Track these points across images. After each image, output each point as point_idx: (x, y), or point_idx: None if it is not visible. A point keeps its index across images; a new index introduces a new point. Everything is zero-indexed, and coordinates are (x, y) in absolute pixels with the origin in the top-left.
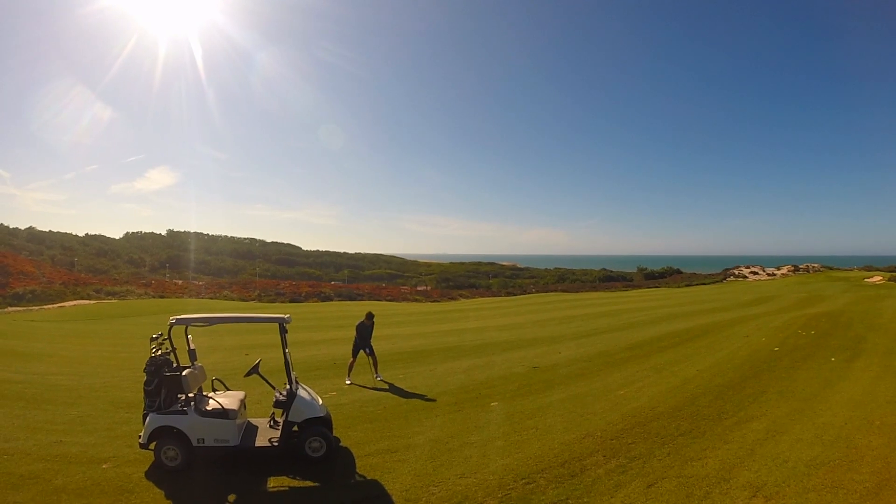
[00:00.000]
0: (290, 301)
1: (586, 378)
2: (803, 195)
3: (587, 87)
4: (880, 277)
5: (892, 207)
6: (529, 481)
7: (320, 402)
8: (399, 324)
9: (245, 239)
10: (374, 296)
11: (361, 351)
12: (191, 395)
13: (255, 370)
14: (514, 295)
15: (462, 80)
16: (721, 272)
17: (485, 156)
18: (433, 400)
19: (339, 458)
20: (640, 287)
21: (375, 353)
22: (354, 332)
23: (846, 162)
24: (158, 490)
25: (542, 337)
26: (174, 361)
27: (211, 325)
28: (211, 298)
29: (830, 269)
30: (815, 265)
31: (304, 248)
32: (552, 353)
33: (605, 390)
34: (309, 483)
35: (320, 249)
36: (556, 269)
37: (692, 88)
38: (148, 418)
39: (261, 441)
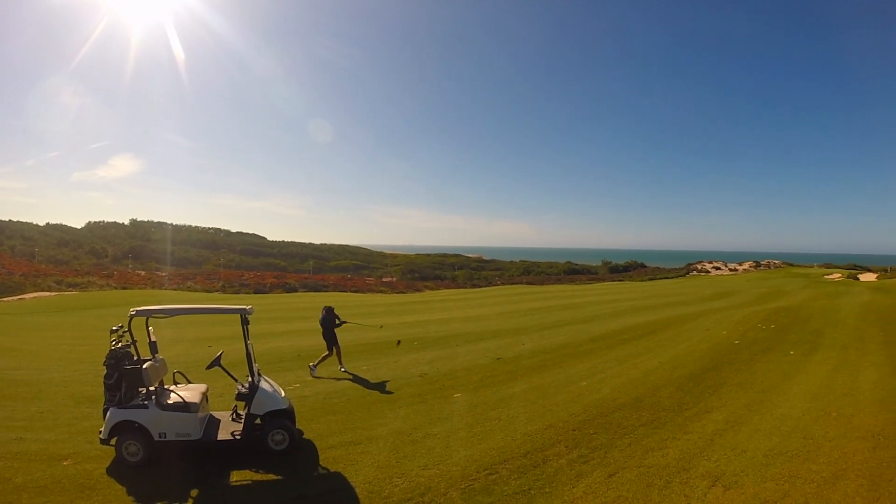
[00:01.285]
0: (255, 292)
1: (549, 369)
2: (766, 193)
3: (554, 80)
4: (839, 275)
5: (849, 208)
6: (492, 472)
7: (283, 394)
8: (364, 315)
9: (210, 229)
10: (339, 287)
11: (325, 341)
12: (152, 388)
13: (216, 362)
14: (480, 287)
15: (431, 70)
16: (684, 267)
17: (452, 148)
18: (397, 391)
19: (302, 451)
20: (604, 280)
21: (339, 345)
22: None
23: (807, 161)
24: (120, 486)
25: (506, 329)
26: (134, 354)
27: (172, 316)
28: (174, 290)
29: (791, 265)
30: (777, 261)
31: (270, 238)
32: (516, 344)
33: (568, 382)
34: (272, 476)
35: (286, 240)
36: (521, 261)
37: (658, 83)
38: (108, 413)
39: (223, 434)
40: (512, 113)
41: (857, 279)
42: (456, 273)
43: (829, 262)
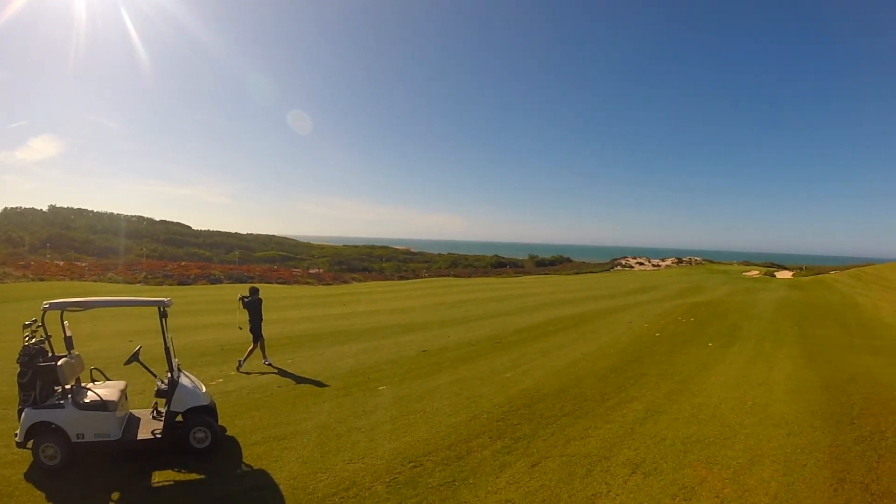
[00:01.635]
0: (179, 283)
1: (474, 361)
2: (689, 193)
3: (490, 73)
4: (757, 272)
5: (767, 209)
6: (417, 464)
7: (204, 389)
8: (289, 307)
9: (133, 217)
10: (265, 278)
11: (249, 333)
12: (68, 386)
13: (135, 357)
14: (407, 279)
15: (368, 58)
16: (609, 262)
17: (387, 139)
18: (322, 385)
19: (225, 448)
20: (531, 274)
21: (264, 337)
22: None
23: (727, 163)
24: (39, 492)
25: (432, 321)
26: (49, 350)
27: (87, 309)
28: (95, 281)
29: (711, 262)
30: (698, 258)
31: (195, 227)
32: (441, 336)
33: (493, 373)
34: (194, 475)
35: (211, 229)
36: (449, 254)
37: (593, 80)
38: (23, 414)
39: (143, 434)
40: (447, 106)
41: (774, 276)
42: (383, 265)
43: (748, 261)
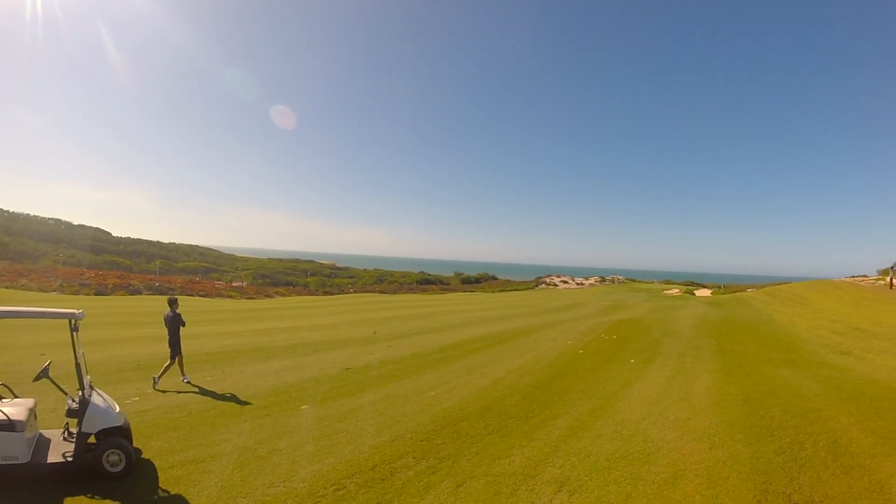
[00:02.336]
0: (96, 293)
1: (398, 379)
2: (612, 212)
3: (411, 88)
4: (677, 290)
5: (688, 230)
6: (340, 487)
7: (118, 409)
8: (210, 322)
9: (50, 219)
10: (186, 290)
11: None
12: None
13: (44, 374)
14: (332, 294)
15: (291, 63)
16: (534, 280)
17: (314, 151)
18: (242, 404)
19: (141, 472)
20: (456, 291)
21: (182, 353)
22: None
23: (647, 185)
24: None
25: (356, 338)
26: None
27: None
28: (6, 288)
29: (633, 281)
30: (620, 277)
31: (115, 233)
32: (365, 354)
33: (417, 391)
34: (108, 502)
35: (132, 237)
36: (375, 270)
37: (513, 103)
38: None
39: (54, 456)
40: (373, 119)
41: (694, 294)
42: (308, 279)
43: (669, 279)
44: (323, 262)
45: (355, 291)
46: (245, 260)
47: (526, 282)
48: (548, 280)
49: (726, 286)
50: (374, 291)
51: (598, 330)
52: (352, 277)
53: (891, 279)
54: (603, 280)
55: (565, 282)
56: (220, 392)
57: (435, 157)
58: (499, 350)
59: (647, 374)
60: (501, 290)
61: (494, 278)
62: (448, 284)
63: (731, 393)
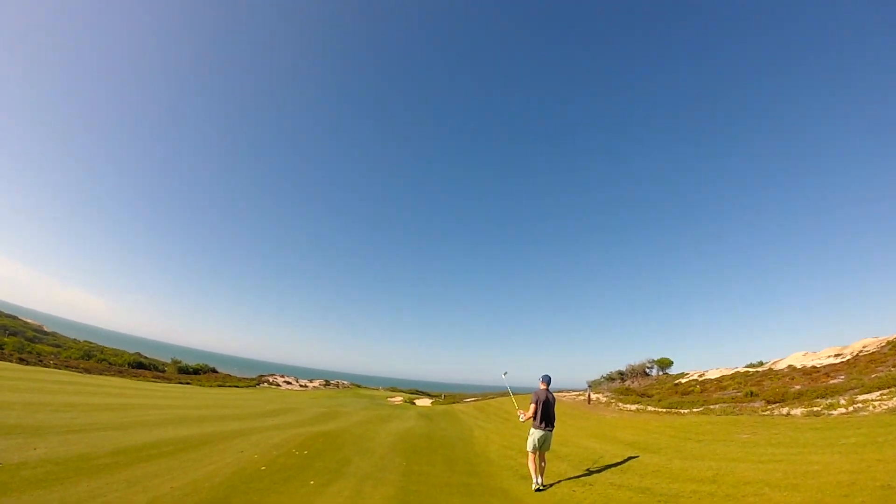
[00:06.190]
0: None
1: (47, 486)
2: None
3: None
4: (401, 398)
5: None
6: None
7: None
8: None
9: None
10: None
11: None
12: None
13: None
14: (27, 364)
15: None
16: (256, 377)
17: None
18: None
19: None
20: (170, 381)
21: None
22: None
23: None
24: None
25: (24, 425)
26: None
27: None
28: None
29: (359, 386)
30: (345, 382)
31: None
32: (26, 447)
33: None
34: None
35: None
36: (86, 342)
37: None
38: None
39: None
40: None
41: (414, 403)
42: (5, 339)
43: (396, 387)
44: (28, 319)
45: (56, 364)
46: None
47: (248, 378)
48: (271, 379)
49: (447, 395)
50: (76, 368)
51: (293, 443)
52: (58, 346)
53: (588, 394)
54: (328, 383)
55: (289, 382)
56: None
57: (158, 224)
58: (180, 459)
59: (321, 499)
60: (220, 385)
61: (215, 371)
62: (164, 372)
63: None
